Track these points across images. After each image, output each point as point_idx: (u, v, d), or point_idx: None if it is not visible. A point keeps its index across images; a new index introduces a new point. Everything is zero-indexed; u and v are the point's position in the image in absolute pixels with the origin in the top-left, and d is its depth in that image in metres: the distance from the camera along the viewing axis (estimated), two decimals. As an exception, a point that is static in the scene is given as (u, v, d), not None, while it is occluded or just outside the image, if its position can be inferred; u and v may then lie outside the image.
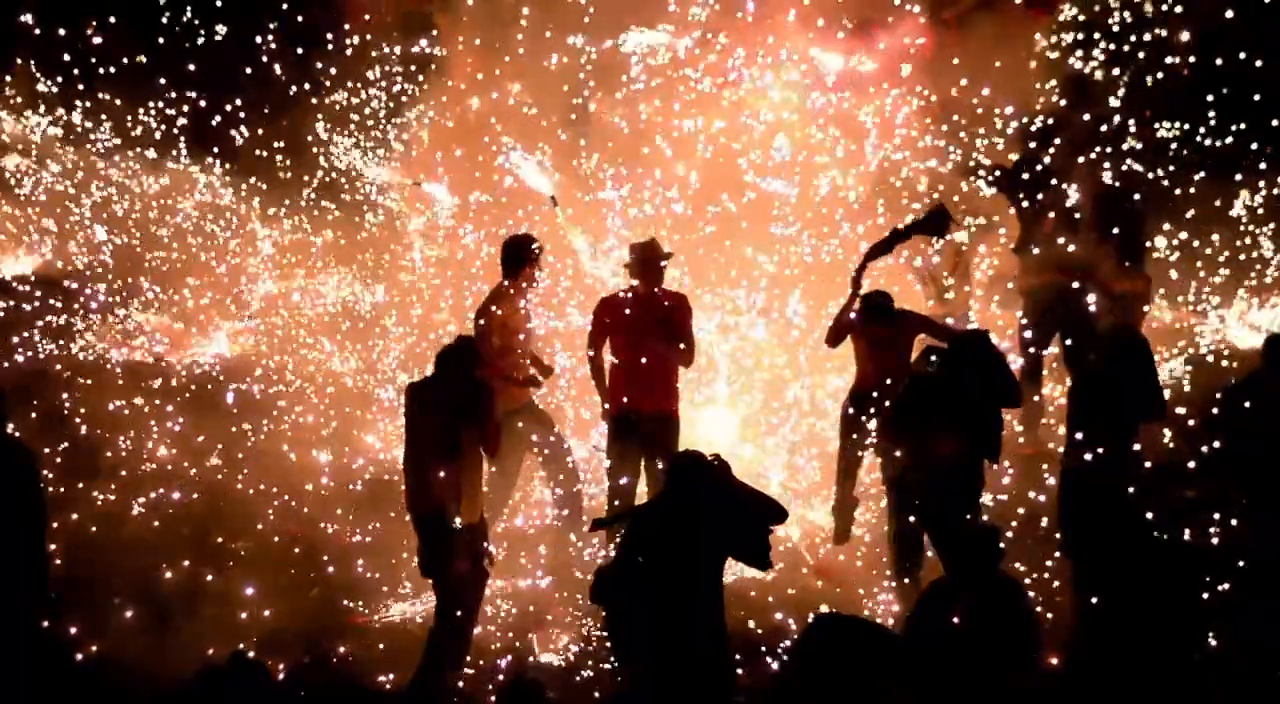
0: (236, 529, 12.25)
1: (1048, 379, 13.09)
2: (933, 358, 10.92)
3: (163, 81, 14.70)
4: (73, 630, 10.59)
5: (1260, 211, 13.87)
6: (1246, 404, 10.58)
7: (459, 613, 10.13)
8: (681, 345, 11.43)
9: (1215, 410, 10.98)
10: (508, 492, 11.99)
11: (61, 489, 12.23)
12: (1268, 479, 10.42)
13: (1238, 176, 14.00)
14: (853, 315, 11.45)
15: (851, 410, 11.50)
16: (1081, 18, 13.77)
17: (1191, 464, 11.46)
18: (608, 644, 9.11)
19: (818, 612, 9.23)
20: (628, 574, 8.70)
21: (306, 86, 14.80)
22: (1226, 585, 10.33)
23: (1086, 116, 13.22)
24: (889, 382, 11.20)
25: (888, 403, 11.04)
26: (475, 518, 10.21)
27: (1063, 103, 13.32)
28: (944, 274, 13.49)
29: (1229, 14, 13.71)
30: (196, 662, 9.68)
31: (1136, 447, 10.64)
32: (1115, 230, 12.65)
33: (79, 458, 12.78)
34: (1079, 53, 13.76)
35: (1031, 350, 12.87)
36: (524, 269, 11.71)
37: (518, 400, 11.69)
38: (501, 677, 10.34)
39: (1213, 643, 9.95)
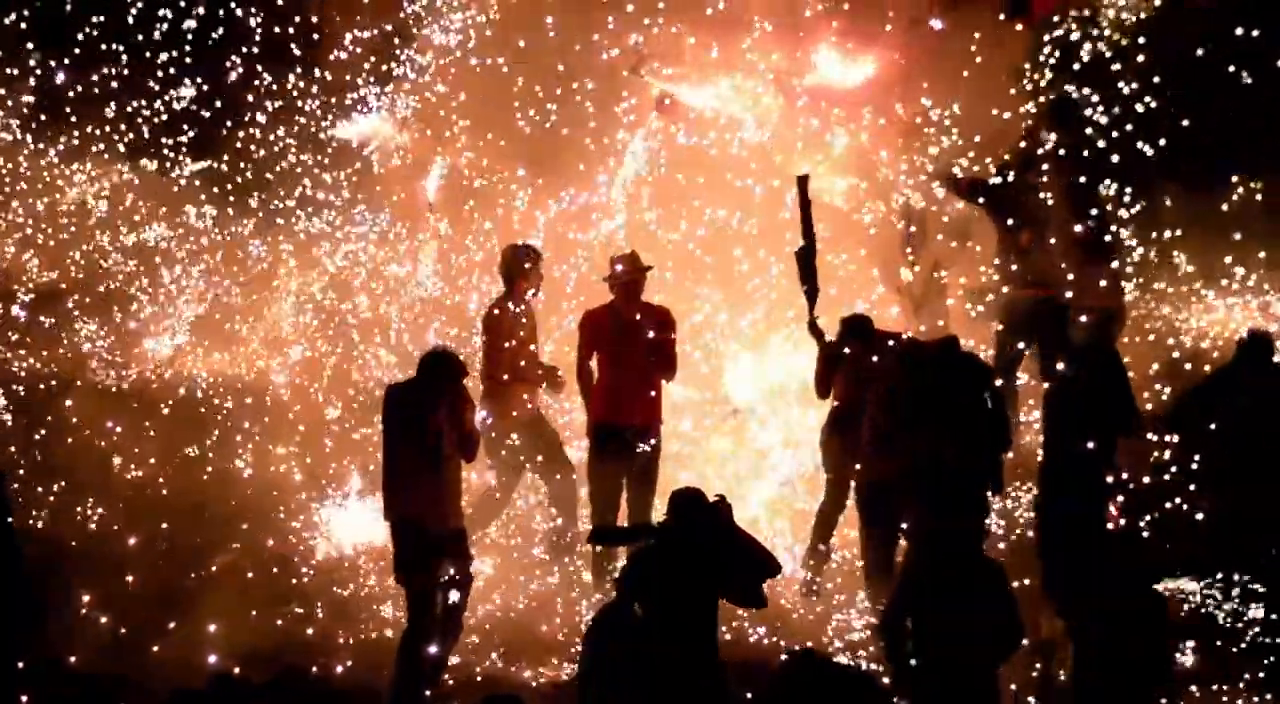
0: (213, 544, 12.18)
1: (1029, 390, 13.10)
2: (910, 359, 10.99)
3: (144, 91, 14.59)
4: (49, 645, 10.48)
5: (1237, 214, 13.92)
6: (1221, 401, 10.68)
7: (432, 621, 10.04)
8: (664, 360, 11.43)
9: (1189, 409, 11.07)
10: (504, 502, 11.99)
11: (39, 503, 12.18)
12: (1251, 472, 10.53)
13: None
14: (835, 338, 11.42)
15: (832, 433, 11.44)
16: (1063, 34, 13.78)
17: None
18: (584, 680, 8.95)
19: (789, 647, 9.16)
20: (626, 612, 8.64)
21: (281, 96, 14.70)
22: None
23: (1067, 131, 13.23)
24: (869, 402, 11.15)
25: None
26: (454, 524, 10.15)
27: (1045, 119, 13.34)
28: (919, 290, 13.50)
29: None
30: (172, 677, 9.69)
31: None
32: (1084, 231, 12.68)
33: (56, 471, 12.73)
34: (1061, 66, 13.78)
35: (1007, 362, 12.88)
36: (519, 280, 11.73)
37: (525, 412, 11.71)
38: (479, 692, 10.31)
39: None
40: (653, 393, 11.47)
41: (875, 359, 11.16)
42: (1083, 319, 12.43)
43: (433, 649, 10.10)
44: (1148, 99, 13.61)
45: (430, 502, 10.01)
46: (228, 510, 12.49)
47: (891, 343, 11.34)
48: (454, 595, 10.14)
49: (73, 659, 10.49)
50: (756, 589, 8.78)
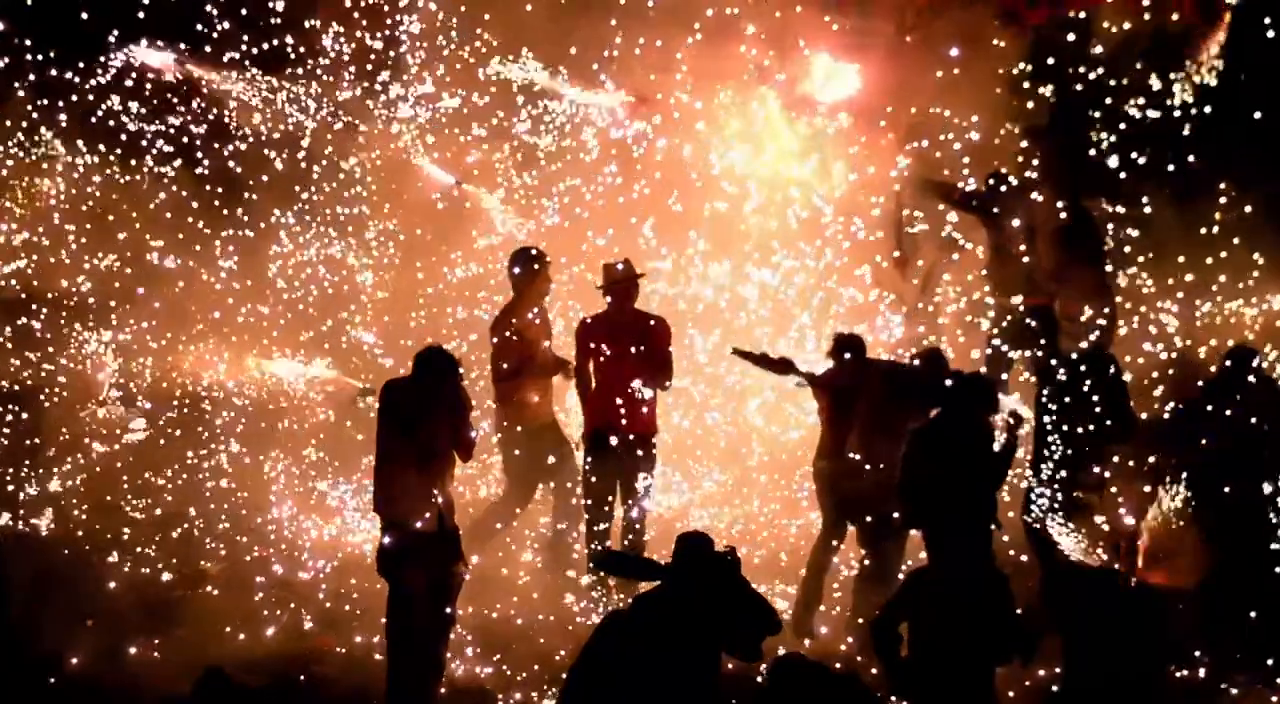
0: (208, 551, 12.19)
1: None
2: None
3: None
4: (43, 652, 10.54)
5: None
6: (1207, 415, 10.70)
7: (416, 620, 9.96)
8: (657, 368, 11.43)
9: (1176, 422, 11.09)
10: (518, 509, 11.99)
11: (31, 509, 12.19)
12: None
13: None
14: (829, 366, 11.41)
15: (824, 463, 11.36)
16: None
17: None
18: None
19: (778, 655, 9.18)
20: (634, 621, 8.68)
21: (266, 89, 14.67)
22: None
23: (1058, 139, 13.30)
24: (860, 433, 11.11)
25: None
26: (446, 524, 10.09)
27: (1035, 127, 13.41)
28: (915, 296, 13.55)
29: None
30: (164, 685, 9.75)
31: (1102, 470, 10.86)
32: (1076, 247, 12.71)
33: (51, 476, 12.75)
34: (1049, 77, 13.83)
35: (998, 369, 12.91)
36: (526, 282, 11.78)
37: (537, 416, 11.76)
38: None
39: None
40: (645, 401, 11.46)
41: (860, 382, 11.14)
42: (1074, 327, 12.51)
43: (422, 649, 10.03)
44: (1140, 106, 13.68)
45: (421, 499, 9.96)
46: (218, 517, 12.49)
47: (884, 371, 11.34)
48: (441, 595, 10.08)
49: (65, 668, 10.51)
50: (755, 644, 8.78)
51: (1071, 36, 13.77)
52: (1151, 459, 11.42)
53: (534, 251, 11.97)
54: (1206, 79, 13.73)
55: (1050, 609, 10.16)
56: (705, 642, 8.60)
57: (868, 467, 10.99)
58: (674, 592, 8.66)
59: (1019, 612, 9.26)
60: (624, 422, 11.41)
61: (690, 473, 13.32)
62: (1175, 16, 13.84)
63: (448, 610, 10.12)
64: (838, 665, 10.43)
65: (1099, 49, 13.81)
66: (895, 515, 10.89)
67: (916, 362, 11.34)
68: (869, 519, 11.07)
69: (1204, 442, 10.94)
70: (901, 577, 10.41)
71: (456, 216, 14.14)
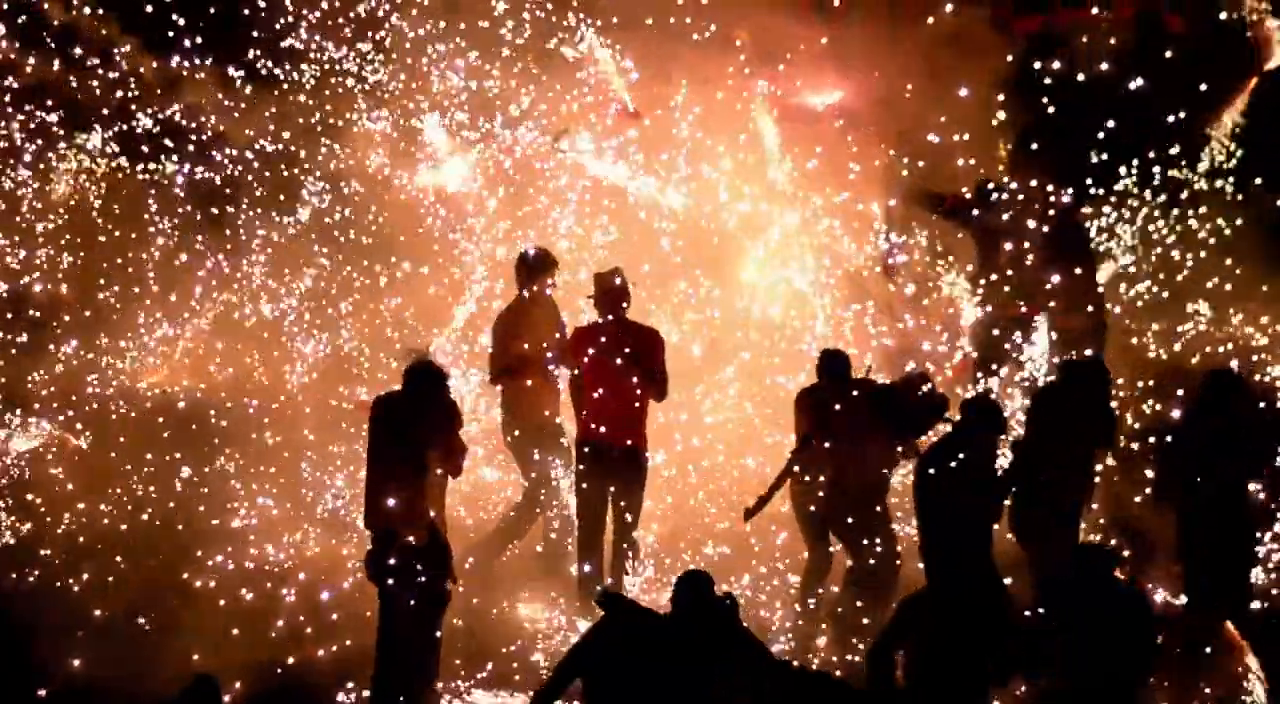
0: (198, 559, 12.15)
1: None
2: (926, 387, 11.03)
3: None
4: (35, 661, 10.57)
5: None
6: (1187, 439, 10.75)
7: (402, 631, 9.99)
8: (649, 380, 11.38)
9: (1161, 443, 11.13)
10: (536, 504, 11.98)
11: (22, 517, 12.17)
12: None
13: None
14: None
15: (804, 486, 11.26)
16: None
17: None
18: None
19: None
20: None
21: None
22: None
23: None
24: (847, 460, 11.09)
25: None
26: (438, 538, 10.12)
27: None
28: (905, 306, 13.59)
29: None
30: (158, 690, 9.73)
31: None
32: (1065, 257, 12.76)
33: (43, 482, 12.77)
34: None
35: (985, 378, 12.93)
36: (531, 283, 11.81)
37: (542, 418, 11.78)
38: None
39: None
40: (638, 413, 11.40)
41: (849, 402, 11.11)
42: (1064, 335, 12.55)
43: (409, 660, 10.03)
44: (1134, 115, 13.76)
45: (412, 511, 9.99)
46: (205, 529, 12.47)
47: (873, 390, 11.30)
48: (428, 607, 10.08)
49: (57, 676, 10.52)
50: (754, 685, 8.77)
51: (1063, 45, 13.85)
52: (1149, 472, 11.48)
53: (534, 255, 11.98)
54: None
55: (1047, 612, 10.17)
56: (702, 676, 8.66)
57: (848, 480, 11.02)
58: (675, 635, 8.70)
59: (1018, 613, 9.27)
60: (615, 434, 11.37)
61: (688, 481, 13.28)
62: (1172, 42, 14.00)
63: (437, 622, 10.13)
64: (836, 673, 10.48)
65: (1091, 58, 13.88)
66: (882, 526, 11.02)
67: (912, 375, 11.33)
68: (852, 529, 11.06)
69: (1194, 453, 10.95)
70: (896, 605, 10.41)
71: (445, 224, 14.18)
